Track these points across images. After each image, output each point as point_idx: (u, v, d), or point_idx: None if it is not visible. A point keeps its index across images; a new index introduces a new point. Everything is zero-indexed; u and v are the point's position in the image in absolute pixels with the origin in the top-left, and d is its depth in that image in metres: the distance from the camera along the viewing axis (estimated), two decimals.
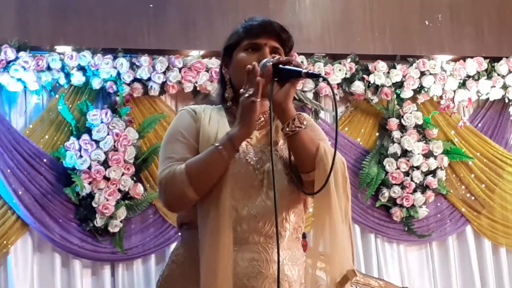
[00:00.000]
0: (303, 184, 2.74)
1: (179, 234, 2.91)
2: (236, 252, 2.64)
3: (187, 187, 2.61)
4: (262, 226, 2.67)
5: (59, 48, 5.93)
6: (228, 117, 2.80)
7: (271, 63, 2.64)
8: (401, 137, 6.62)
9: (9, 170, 5.68)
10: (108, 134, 5.85)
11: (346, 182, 2.76)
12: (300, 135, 2.67)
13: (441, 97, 6.81)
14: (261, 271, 2.66)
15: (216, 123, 2.76)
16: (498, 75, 6.90)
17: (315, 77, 2.65)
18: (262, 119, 2.80)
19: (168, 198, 2.70)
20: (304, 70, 2.60)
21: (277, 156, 2.74)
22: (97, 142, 5.84)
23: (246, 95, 2.60)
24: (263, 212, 2.67)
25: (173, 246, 5.96)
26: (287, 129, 2.67)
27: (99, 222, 5.80)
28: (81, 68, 5.92)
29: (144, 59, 6.03)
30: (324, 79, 2.60)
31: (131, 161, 5.92)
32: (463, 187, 6.88)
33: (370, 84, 6.62)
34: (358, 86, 6.54)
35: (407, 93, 6.68)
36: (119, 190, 5.86)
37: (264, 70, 2.65)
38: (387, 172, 6.57)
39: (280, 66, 2.64)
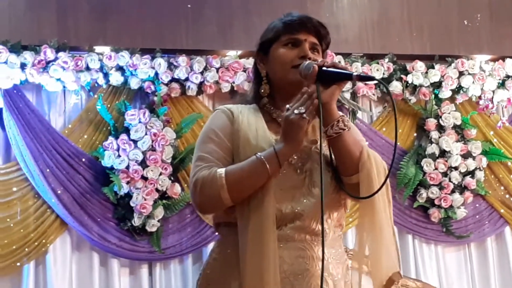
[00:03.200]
0: (345, 186, 2.74)
1: (217, 233, 2.90)
2: (282, 249, 2.66)
3: (224, 193, 2.62)
4: (307, 224, 2.69)
5: (98, 49, 5.97)
6: (264, 117, 2.80)
7: (316, 65, 2.64)
8: (439, 137, 6.58)
9: (48, 170, 5.73)
10: (146, 134, 5.88)
11: (387, 186, 2.77)
12: (344, 137, 2.68)
13: (480, 97, 6.76)
14: (307, 268, 2.68)
15: (254, 124, 2.76)
16: None
17: (367, 80, 2.66)
18: None
19: (202, 200, 2.70)
20: (355, 73, 2.61)
21: (317, 156, 2.73)
22: (135, 142, 5.87)
23: (296, 111, 2.58)
24: (308, 210, 2.68)
25: (210, 245, 6.03)
26: (331, 131, 2.66)
27: (137, 221, 5.83)
28: (120, 68, 5.96)
29: (182, 59, 6.05)
30: (379, 82, 2.61)
31: (169, 161, 5.95)
32: (502, 188, 6.82)
33: (408, 84, 6.59)
34: (396, 86, 6.52)
35: (445, 93, 6.64)
36: (157, 190, 5.89)
37: (307, 72, 2.66)
38: (425, 173, 6.54)
39: (327, 68, 2.63)
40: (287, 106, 2.62)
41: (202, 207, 2.76)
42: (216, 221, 2.85)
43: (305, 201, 2.69)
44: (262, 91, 2.84)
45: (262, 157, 2.62)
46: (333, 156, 2.76)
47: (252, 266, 2.62)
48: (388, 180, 2.73)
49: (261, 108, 2.84)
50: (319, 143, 2.71)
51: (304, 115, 2.57)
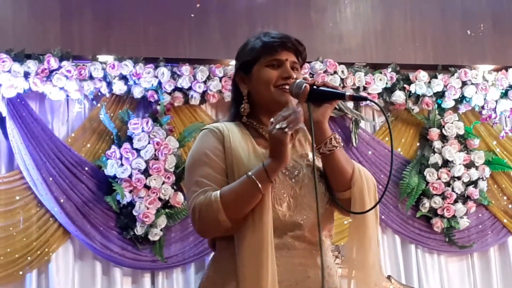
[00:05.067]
0: (338, 200, 2.83)
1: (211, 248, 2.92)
2: (283, 257, 2.71)
3: (222, 216, 2.64)
4: (307, 234, 2.74)
5: (101, 58, 5.99)
6: (251, 133, 2.85)
7: (306, 85, 2.71)
8: (442, 147, 6.58)
9: (51, 178, 5.74)
10: (149, 143, 5.89)
11: (375, 201, 2.84)
12: (336, 154, 2.75)
13: (482, 107, 6.76)
14: (308, 276, 2.73)
15: (243, 141, 2.80)
16: None
17: (359, 100, 2.71)
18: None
19: (202, 226, 2.71)
20: (348, 93, 2.67)
21: (311, 168, 2.80)
22: (138, 150, 5.88)
23: (278, 126, 2.58)
24: (306, 220, 2.74)
25: (212, 254, 6.00)
26: (325, 148, 2.74)
27: (139, 230, 5.83)
28: (123, 77, 5.97)
29: (185, 69, 6.06)
30: (372, 102, 2.64)
31: (172, 170, 5.95)
32: (505, 197, 6.81)
33: (411, 94, 6.59)
34: (399, 96, 6.52)
35: (448, 103, 6.64)
36: (160, 199, 5.89)
37: (299, 90, 2.73)
38: (427, 182, 6.53)
39: (319, 88, 2.70)
40: (271, 120, 2.64)
41: (204, 232, 2.79)
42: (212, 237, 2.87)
43: (303, 211, 2.74)
44: (242, 110, 2.87)
45: (252, 176, 2.63)
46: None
47: (250, 276, 2.64)
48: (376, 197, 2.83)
49: (245, 124, 2.88)
50: (312, 160, 2.79)
51: (286, 129, 2.57)
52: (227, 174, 2.75)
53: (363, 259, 2.82)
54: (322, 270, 2.70)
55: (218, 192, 2.67)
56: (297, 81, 2.75)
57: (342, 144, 2.77)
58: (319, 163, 2.84)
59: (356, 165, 2.80)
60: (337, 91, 2.70)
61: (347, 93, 2.67)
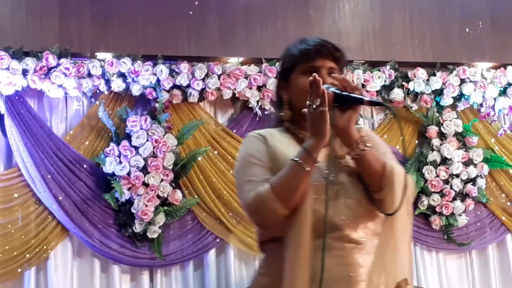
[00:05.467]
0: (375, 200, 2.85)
1: (261, 250, 2.98)
2: (325, 258, 2.72)
3: (276, 204, 2.70)
4: (347, 234, 2.78)
5: (100, 55, 5.99)
6: (293, 137, 2.92)
7: (331, 90, 2.72)
8: (440, 144, 6.58)
9: (49, 176, 5.74)
10: (147, 140, 5.89)
11: (409, 201, 2.84)
12: (365, 157, 2.78)
13: (481, 105, 6.77)
14: (349, 275, 2.76)
15: (286, 143, 2.88)
16: None
17: (376, 105, 2.70)
18: None
19: (261, 219, 2.78)
20: (366, 98, 2.70)
21: (348, 169, 2.85)
22: (136, 148, 5.88)
23: (314, 106, 2.66)
24: (345, 220, 2.78)
25: (211, 252, 6.08)
26: (352, 153, 2.78)
27: (138, 228, 5.83)
28: (121, 75, 5.97)
29: (184, 66, 6.06)
30: (388, 108, 2.65)
31: (170, 167, 5.95)
32: (503, 195, 6.82)
33: (409, 92, 6.60)
34: (397, 94, 6.52)
35: (447, 100, 6.65)
36: (158, 196, 5.89)
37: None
38: (426, 180, 6.54)
39: (341, 92, 2.73)
40: (307, 103, 2.70)
41: (264, 224, 2.83)
42: (260, 239, 2.94)
43: (342, 212, 2.78)
44: (283, 115, 2.95)
45: (296, 158, 2.70)
46: None
47: (288, 272, 2.71)
48: (409, 194, 2.81)
49: (287, 130, 2.95)
50: (339, 156, 2.84)
51: (321, 108, 2.65)
52: (273, 173, 2.80)
53: (390, 259, 2.82)
54: (322, 269, 2.70)
55: (267, 184, 2.74)
56: (324, 86, 2.73)
57: (370, 146, 2.78)
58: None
59: (389, 165, 2.81)
60: (356, 96, 2.73)
61: (365, 99, 2.70)
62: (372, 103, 2.75)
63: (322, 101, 2.65)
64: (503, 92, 6.78)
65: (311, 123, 2.69)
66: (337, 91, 2.73)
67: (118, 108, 6.01)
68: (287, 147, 2.85)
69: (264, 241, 2.91)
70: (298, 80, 2.90)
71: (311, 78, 2.70)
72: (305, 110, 2.70)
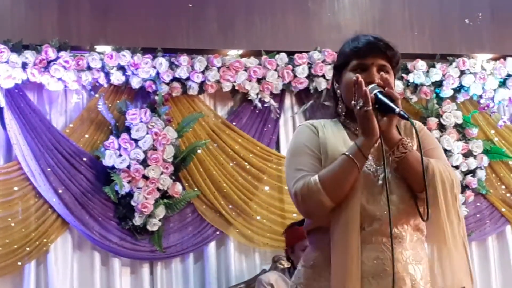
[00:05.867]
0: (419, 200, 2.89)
1: (308, 240, 3.05)
2: (361, 252, 2.79)
3: (323, 196, 2.78)
4: (385, 228, 2.81)
5: (99, 48, 5.99)
6: (346, 130, 2.98)
7: (374, 93, 2.79)
8: (440, 136, 6.57)
9: (49, 169, 5.75)
10: (147, 133, 5.89)
11: (455, 200, 2.87)
12: (406, 160, 2.82)
13: (481, 96, 6.76)
14: (385, 269, 2.81)
15: (338, 135, 2.95)
16: None
17: (403, 118, 2.74)
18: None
19: (307, 208, 2.87)
20: (397, 109, 2.74)
21: (394, 165, 2.88)
22: (136, 141, 5.88)
23: (358, 107, 2.75)
24: (386, 214, 2.80)
25: (211, 245, 6.08)
26: (393, 156, 2.83)
27: (138, 220, 5.84)
28: (121, 68, 5.97)
29: (183, 59, 6.05)
30: (413, 125, 2.79)
31: (170, 160, 5.95)
32: (503, 186, 6.81)
33: (409, 83, 6.59)
34: (397, 85, 6.43)
35: (446, 92, 6.64)
36: (158, 189, 5.89)
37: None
38: None
39: (380, 96, 2.78)
40: (352, 102, 2.79)
41: (309, 214, 2.93)
42: (307, 229, 3.01)
43: (384, 206, 2.82)
44: (340, 110, 3.02)
45: (347, 153, 2.77)
46: None
47: (337, 265, 2.77)
48: (457, 194, 2.88)
49: (342, 123, 3.02)
50: (384, 165, 2.86)
51: (365, 108, 2.73)
52: (322, 163, 2.88)
53: (439, 258, 2.85)
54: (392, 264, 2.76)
55: (316, 175, 2.81)
56: (370, 87, 2.81)
57: (412, 149, 2.82)
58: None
59: (431, 166, 2.83)
60: (390, 104, 2.76)
61: (397, 110, 2.74)
62: (400, 116, 2.75)
63: (364, 101, 2.73)
64: (502, 84, 6.77)
65: (359, 121, 2.77)
66: (379, 94, 2.79)
67: (118, 101, 6.01)
68: (338, 140, 2.93)
69: (309, 230, 2.99)
70: (347, 76, 2.95)
71: (354, 78, 2.79)
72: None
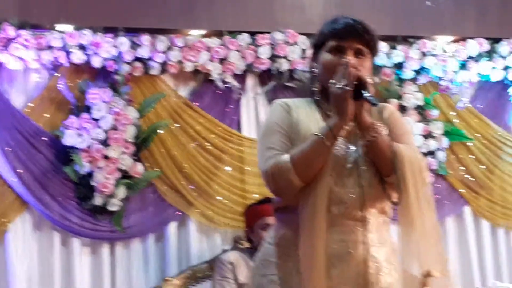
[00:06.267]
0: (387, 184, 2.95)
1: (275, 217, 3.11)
2: (328, 234, 2.84)
3: (293, 176, 2.82)
4: (351, 211, 2.88)
5: (60, 27, 5.93)
6: (319, 110, 3.03)
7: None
8: None
9: (8, 148, 5.70)
10: (108, 113, 5.86)
11: (424, 185, 2.94)
12: (376, 144, 2.88)
13: (441, 78, 6.80)
14: (349, 251, 2.87)
15: (311, 115, 3.00)
16: (499, 56, 6.88)
17: (372, 104, 2.82)
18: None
19: (276, 187, 2.92)
20: (366, 95, 2.79)
21: (364, 149, 2.93)
22: (97, 121, 5.85)
23: (338, 86, 2.79)
24: (353, 198, 2.88)
25: (171, 225, 6.08)
26: (364, 139, 2.89)
27: (98, 201, 5.82)
28: (82, 47, 5.91)
29: (145, 39, 6.02)
30: (379, 108, 2.90)
31: (131, 140, 5.93)
32: (462, 168, 6.86)
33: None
34: None
35: (407, 74, 6.67)
36: (119, 169, 5.87)
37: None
38: None
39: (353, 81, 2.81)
40: (330, 81, 2.83)
41: (278, 192, 2.97)
42: (275, 206, 3.07)
43: (352, 189, 2.88)
44: (315, 89, 3.06)
45: (319, 134, 2.82)
46: None
47: (305, 246, 2.81)
48: (425, 178, 2.98)
49: (315, 103, 3.07)
50: (360, 136, 2.92)
51: (346, 87, 2.78)
52: (293, 143, 2.93)
53: (408, 242, 2.90)
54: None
55: (288, 154, 2.85)
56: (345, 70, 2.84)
57: (382, 133, 2.87)
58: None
59: (400, 151, 2.87)
60: (359, 89, 2.79)
61: (365, 95, 2.79)
62: (368, 101, 2.80)
63: (348, 82, 2.78)
64: (463, 66, 6.81)
65: (335, 102, 2.81)
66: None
67: (79, 81, 5.96)
68: (310, 120, 2.97)
69: (278, 208, 3.04)
70: (324, 56, 3.00)
71: (345, 61, 2.84)
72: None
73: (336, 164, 2.87)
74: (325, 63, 2.97)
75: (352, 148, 2.93)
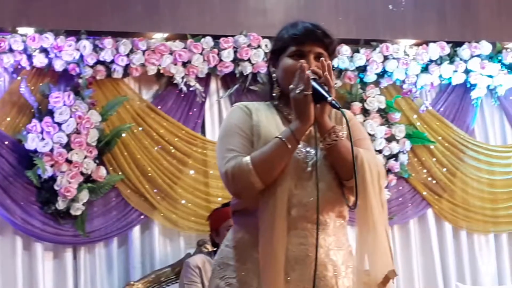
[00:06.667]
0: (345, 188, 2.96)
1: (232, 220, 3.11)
2: (287, 237, 2.84)
3: (254, 178, 2.83)
4: (310, 214, 2.87)
5: (21, 30, 5.88)
6: (279, 115, 3.04)
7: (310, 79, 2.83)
8: (364, 121, 6.63)
9: None
10: (70, 116, 5.81)
11: (381, 190, 2.96)
12: (337, 147, 2.89)
13: (403, 82, 6.85)
14: (308, 255, 2.87)
15: (271, 119, 3.00)
16: (461, 59, 6.95)
17: (335, 108, 2.80)
18: None
19: (236, 188, 2.92)
20: (329, 98, 2.79)
21: (321, 152, 2.94)
22: (59, 124, 5.80)
23: (297, 90, 2.80)
24: (312, 201, 2.86)
25: (135, 229, 6.05)
26: (324, 142, 2.89)
27: (61, 205, 5.77)
28: (44, 50, 5.86)
29: (108, 42, 5.99)
30: (344, 116, 2.80)
31: (94, 144, 5.89)
32: (424, 170, 6.93)
33: (333, 68, 6.60)
34: None
35: (370, 77, 6.72)
36: (82, 173, 5.83)
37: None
38: None
39: (314, 84, 2.82)
40: (290, 86, 2.84)
41: (239, 194, 2.96)
42: (233, 209, 3.06)
43: (311, 193, 2.87)
44: (274, 94, 3.08)
45: (281, 137, 2.83)
46: None
47: (264, 250, 2.82)
48: (382, 185, 2.98)
49: (275, 107, 3.08)
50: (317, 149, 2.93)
51: (304, 92, 2.79)
52: (253, 145, 2.92)
53: (372, 252, 2.90)
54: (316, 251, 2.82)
55: (249, 156, 2.85)
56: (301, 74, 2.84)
57: (343, 137, 2.88)
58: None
59: (360, 156, 2.88)
60: (322, 92, 2.80)
61: (329, 99, 2.78)
62: (332, 105, 2.80)
63: (306, 86, 2.78)
64: (425, 69, 6.88)
65: (296, 106, 2.82)
66: (313, 82, 2.82)
67: (41, 84, 5.91)
68: (271, 124, 2.96)
69: (236, 211, 3.04)
70: (285, 62, 3.01)
71: (300, 64, 2.84)
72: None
73: (296, 167, 2.89)
74: (286, 68, 2.99)
75: (312, 151, 2.93)
